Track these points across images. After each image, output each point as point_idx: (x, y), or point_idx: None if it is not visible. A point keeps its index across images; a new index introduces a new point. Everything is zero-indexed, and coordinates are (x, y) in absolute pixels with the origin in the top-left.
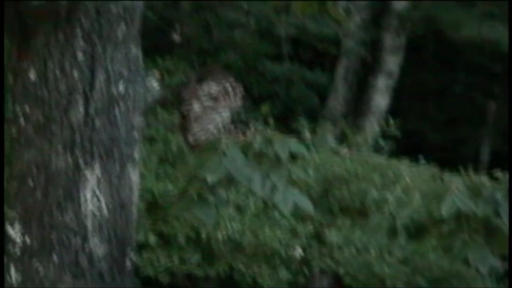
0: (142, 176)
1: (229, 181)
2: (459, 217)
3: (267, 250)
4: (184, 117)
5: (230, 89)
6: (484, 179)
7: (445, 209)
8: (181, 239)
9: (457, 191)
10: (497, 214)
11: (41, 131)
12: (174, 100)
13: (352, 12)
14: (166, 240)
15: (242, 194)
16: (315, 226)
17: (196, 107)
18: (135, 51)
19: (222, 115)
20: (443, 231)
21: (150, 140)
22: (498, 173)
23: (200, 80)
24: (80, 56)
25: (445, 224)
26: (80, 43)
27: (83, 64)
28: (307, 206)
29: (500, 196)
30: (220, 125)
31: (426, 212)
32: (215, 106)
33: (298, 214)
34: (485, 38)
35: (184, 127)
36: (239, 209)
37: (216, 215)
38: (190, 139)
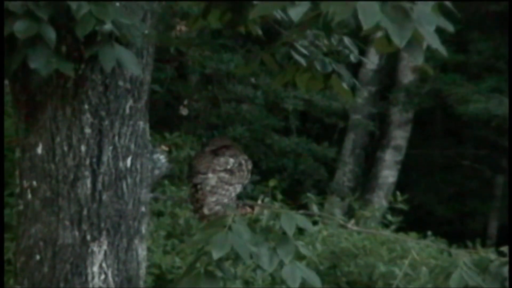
0: (149, 251)
1: (237, 256)
2: None
3: None
4: (196, 189)
5: (244, 164)
6: (491, 254)
7: (454, 284)
8: None
9: (464, 266)
10: None
11: (48, 205)
12: (187, 172)
13: (359, 87)
14: None
15: (250, 269)
16: None
17: (212, 179)
18: (143, 125)
19: (236, 189)
20: None
21: (157, 214)
22: (506, 248)
23: (216, 153)
24: (87, 130)
25: None
26: (88, 117)
27: (91, 138)
28: (315, 281)
29: (507, 271)
30: (233, 199)
31: (433, 287)
32: (230, 180)
33: None
34: (492, 113)
35: (196, 199)
36: (247, 284)
37: None
38: (205, 210)
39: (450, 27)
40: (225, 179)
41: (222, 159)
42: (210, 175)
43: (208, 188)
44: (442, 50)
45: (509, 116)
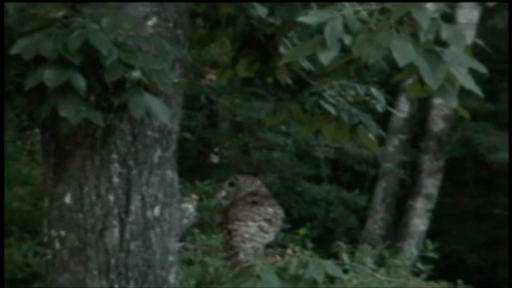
0: None
1: None
2: None
3: None
4: (231, 235)
5: (279, 213)
6: None
7: None
8: None
9: None
10: None
11: (76, 255)
12: (221, 219)
13: (386, 138)
14: None
15: None
16: None
17: (252, 227)
18: (171, 174)
19: (270, 237)
20: None
21: (187, 263)
22: None
23: (255, 202)
24: (115, 180)
25: None
26: (116, 167)
27: (119, 188)
28: None
29: None
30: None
31: None
32: (268, 229)
33: None
34: None
35: (230, 246)
36: None
37: None
38: (241, 256)
39: (483, 69)
40: (264, 228)
41: (262, 209)
42: (250, 223)
43: (247, 235)
44: (477, 90)
45: (509, 116)
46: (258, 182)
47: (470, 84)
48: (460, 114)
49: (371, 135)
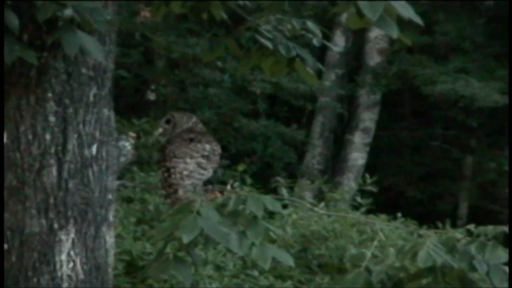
0: (120, 237)
1: (207, 240)
2: (435, 270)
3: None
4: (169, 173)
5: (216, 150)
6: (459, 234)
7: (422, 261)
8: None
9: (431, 245)
10: (472, 268)
11: (14, 194)
12: (158, 157)
13: (324, 71)
14: None
15: (221, 253)
16: (294, 284)
17: (190, 164)
18: (107, 112)
19: (209, 173)
20: (419, 285)
21: (127, 201)
22: (473, 227)
23: (192, 139)
24: (52, 119)
25: (421, 279)
26: (52, 106)
27: (55, 127)
28: (287, 259)
29: (474, 250)
30: (202, 184)
31: (401, 267)
32: (206, 165)
33: (277, 273)
34: (459, 93)
35: (169, 183)
36: (218, 269)
37: (194, 275)
38: (181, 192)
39: None
40: (202, 164)
41: (199, 145)
42: (188, 160)
43: (185, 172)
44: (417, 19)
45: (509, 107)
46: (194, 119)
47: (409, 13)
48: (396, 48)
49: (309, 68)
